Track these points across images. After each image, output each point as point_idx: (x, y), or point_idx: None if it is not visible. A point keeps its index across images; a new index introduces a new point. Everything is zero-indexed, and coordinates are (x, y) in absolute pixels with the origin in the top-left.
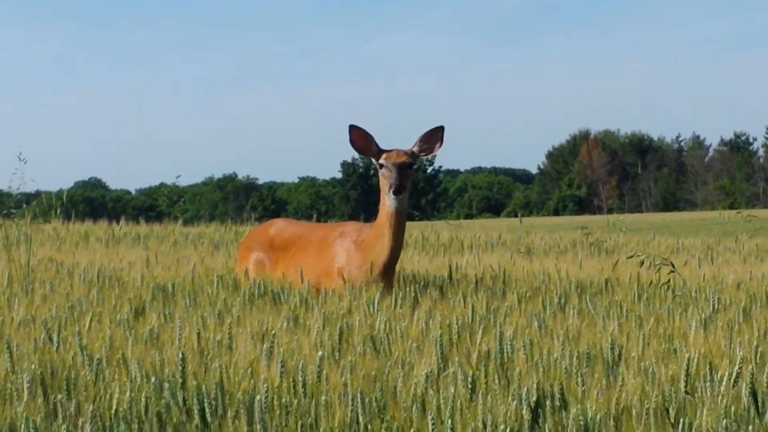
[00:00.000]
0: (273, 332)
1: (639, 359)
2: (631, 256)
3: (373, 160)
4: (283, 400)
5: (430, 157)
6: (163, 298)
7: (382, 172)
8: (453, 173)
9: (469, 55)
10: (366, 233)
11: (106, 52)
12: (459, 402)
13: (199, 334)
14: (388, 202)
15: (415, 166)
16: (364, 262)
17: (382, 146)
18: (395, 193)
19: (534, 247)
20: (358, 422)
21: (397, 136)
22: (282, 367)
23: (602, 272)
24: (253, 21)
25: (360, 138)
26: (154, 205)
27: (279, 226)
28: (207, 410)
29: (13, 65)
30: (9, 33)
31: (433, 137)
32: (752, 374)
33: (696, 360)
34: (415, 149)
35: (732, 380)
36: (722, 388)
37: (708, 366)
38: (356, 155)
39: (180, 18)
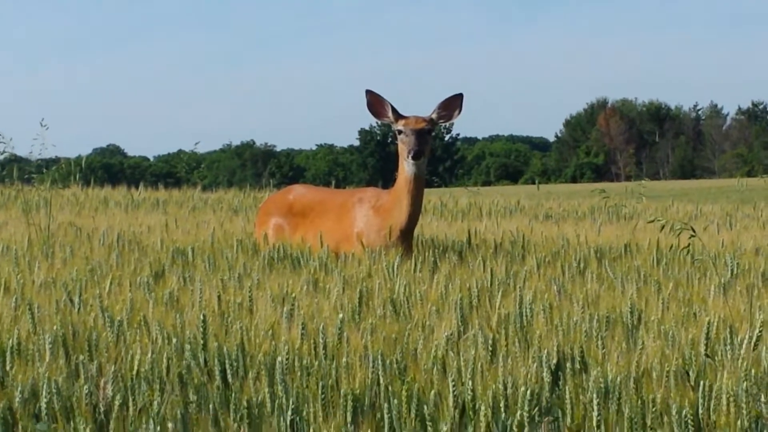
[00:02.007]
0: (293, 295)
1: (659, 323)
2: (652, 221)
3: (392, 125)
4: (304, 361)
5: (447, 124)
6: (182, 262)
7: (400, 137)
8: (471, 141)
9: (487, 24)
10: (384, 198)
11: (126, 19)
12: (479, 364)
13: (219, 296)
14: (406, 168)
15: (433, 133)
16: (382, 227)
17: (402, 114)
18: (414, 158)
19: (552, 212)
20: (378, 383)
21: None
22: (303, 329)
23: (621, 238)
24: None
25: (376, 103)
26: (172, 172)
27: (298, 192)
28: (228, 371)
29: (34, 33)
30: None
31: (452, 104)
32: None
33: (716, 324)
34: (434, 116)
35: (752, 344)
36: (742, 352)
37: (728, 330)
38: (374, 121)
39: None
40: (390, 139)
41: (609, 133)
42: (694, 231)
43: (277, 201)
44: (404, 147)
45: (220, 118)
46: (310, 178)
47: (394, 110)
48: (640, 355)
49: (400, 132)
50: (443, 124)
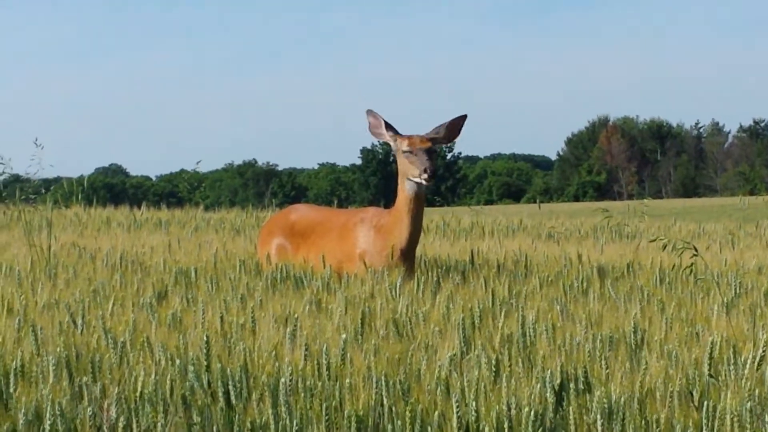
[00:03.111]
0: (296, 316)
1: (662, 343)
2: (653, 240)
3: (392, 144)
4: (308, 382)
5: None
6: (185, 283)
7: (406, 157)
8: (472, 159)
9: (488, 41)
10: (385, 218)
11: (128, 39)
12: (483, 384)
13: (222, 317)
14: (408, 187)
15: (438, 152)
16: (384, 246)
17: (399, 131)
18: (430, 177)
19: (555, 231)
20: (382, 404)
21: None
22: (306, 350)
23: (623, 257)
24: (274, 5)
25: (377, 123)
26: (174, 191)
27: (300, 212)
28: (232, 392)
29: (34, 51)
30: (29, 16)
31: (457, 126)
32: None
33: (719, 343)
34: (436, 136)
35: (756, 363)
36: (746, 371)
37: (731, 349)
38: (376, 140)
39: (200, 2)
40: (392, 158)
41: (611, 152)
42: (696, 250)
43: (279, 221)
44: (413, 167)
45: (222, 138)
46: (313, 198)
47: (391, 128)
48: (643, 376)
49: (406, 152)
50: (441, 145)
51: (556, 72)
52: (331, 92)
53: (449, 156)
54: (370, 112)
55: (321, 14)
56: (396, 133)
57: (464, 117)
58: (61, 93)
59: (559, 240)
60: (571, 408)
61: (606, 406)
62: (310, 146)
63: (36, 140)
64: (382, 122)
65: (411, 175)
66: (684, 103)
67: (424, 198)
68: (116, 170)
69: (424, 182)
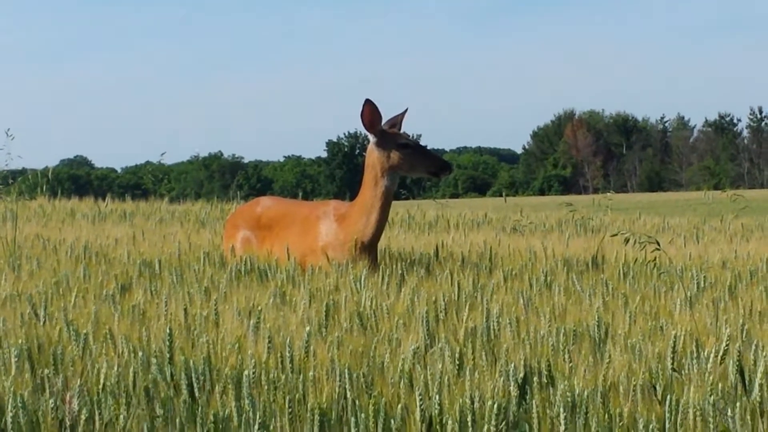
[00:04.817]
0: (260, 308)
1: (625, 336)
2: (615, 234)
3: (383, 138)
4: (271, 375)
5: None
6: (149, 275)
7: (407, 152)
8: (438, 153)
9: (454, 36)
10: (347, 211)
11: (94, 30)
12: (446, 378)
13: (185, 309)
14: (387, 181)
15: None
16: (347, 240)
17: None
18: (451, 170)
19: (520, 225)
20: (345, 397)
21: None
22: (269, 342)
23: (588, 250)
24: (241, 1)
25: (377, 115)
26: (139, 184)
27: (265, 205)
28: (195, 385)
29: (1, 43)
30: None
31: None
32: (739, 352)
33: (682, 338)
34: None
35: (719, 358)
36: (709, 366)
37: (695, 343)
38: (341, 133)
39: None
40: (358, 150)
41: (576, 145)
42: (658, 244)
43: (244, 213)
44: (426, 161)
45: (187, 130)
46: (278, 190)
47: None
48: (607, 369)
49: (405, 146)
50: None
51: (522, 65)
52: (297, 85)
53: None
54: (369, 102)
55: (288, 11)
56: (380, 128)
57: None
58: (27, 85)
59: (524, 233)
60: (534, 401)
61: (569, 399)
62: (276, 139)
63: (8, 131)
64: (380, 119)
65: (420, 170)
66: (650, 97)
67: (393, 192)
68: (81, 162)
69: (443, 174)
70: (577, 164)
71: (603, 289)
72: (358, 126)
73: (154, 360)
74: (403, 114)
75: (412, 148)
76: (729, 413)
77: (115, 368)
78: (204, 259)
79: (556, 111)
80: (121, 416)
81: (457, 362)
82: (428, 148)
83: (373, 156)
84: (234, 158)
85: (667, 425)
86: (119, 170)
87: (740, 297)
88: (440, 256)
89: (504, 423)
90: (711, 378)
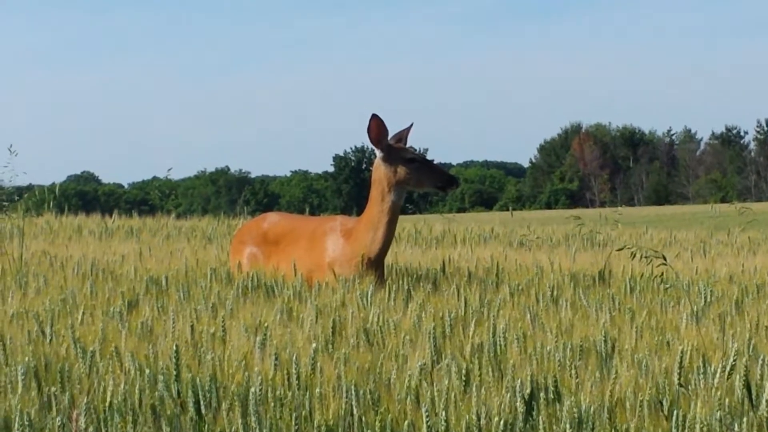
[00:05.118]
0: (266, 325)
1: (632, 352)
2: (621, 249)
3: (382, 153)
4: (277, 392)
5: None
6: (156, 291)
7: (414, 167)
8: (445, 167)
9: (460, 48)
10: (354, 227)
11: (98, 44)
12: (453, 394)
13: (192, 326)
14: (393, 197)
15: None
16: (354, 255)
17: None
18: (458, 184)
19: (527, 239)
20: (352, 414)
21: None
22: (276, 359)
23: (595, 265)
24: (245, 13)
25: (383, 130)
26: (146, 199)
27: (272, 220)
28: (201, 402)
29: (5, 57)
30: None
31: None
32: (746, 367)
33: (689, 352)
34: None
35: (726, 373)
36: (716, 381)
37: (701, 358)
38: (348, 147)
39: (173, 10)
40: (365, 165)
41: (583, 159)
42: (665, 259)
43: (251, 229)
44: (433, 175)
45: (194, 145)
46: (285, 205)
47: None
48: (613, 385)
49: (411, 161)
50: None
51: (528, 79)
52: (303, 100)
53: None
54: (376, 117)
55: (294, 21)
56: (386, 143)
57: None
58: (34, 100)
59: (530, 248)
60: (541, 417)
61: (576, 415)
62: (283, 154)
63: (10, 147)
64: (387, 133)
65: (427, 184)
66: (656, 110)
67: (401, 207)
68: (88, 178)
69: (449, 189)
70: (584, 178)
71: (610, 304)
72: (364, 140)
73: (160, 377)
74: (408, 129)
75: (419, 163)
76: (736, 428)
77: (122, 386)
78: (211, 276)
79: (562, 124)
80: None
81: (463, 378)
82: (435, 162)
83: (380, 171)
84: (241, 173)
85: None
86: (126, 186)
87: (747, 311)
88: (447, 271)
89: None
90: (718, 393)
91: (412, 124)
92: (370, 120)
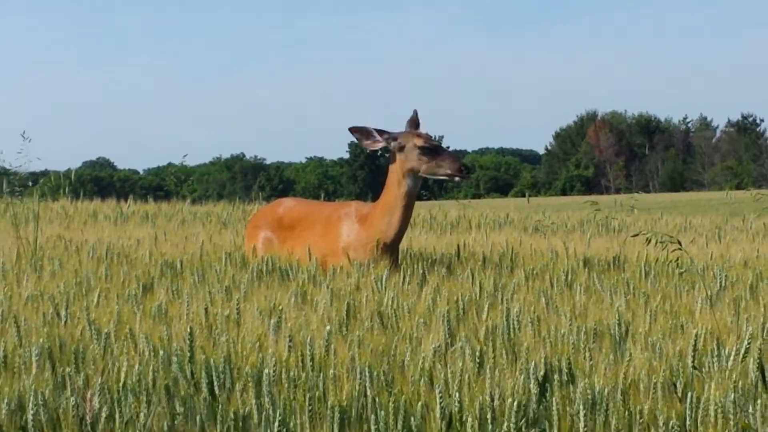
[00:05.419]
0: (281, 308)
1: (646, 335)
2: (636, 234)
3: (393, 144)
4: (291, 373)
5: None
6: (171, 275)
7: (426, 154)
8: (461, 154)
9: (476, 35)
10: (370, 212)
11: (115, 31)
12: (467, 376)
13: (207, 309)
14: (409, 183)
15: None
16: (368, 240)
17: (391, 129)
18: (472, 171)
19: (542, 225)
20: (366, 395)
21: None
22: (290, 341)
23: (609, 250)
24: (261, 2)
25: (365, 135)
26: (162, 185)
27: (287, 205)
28: (215, 383)
29: (22, 44)
30: (17, 13)
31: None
32: (760, 350)
33: (703, 336)
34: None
35: (740, 355)
36: (730, 364)
37: (715, 342)
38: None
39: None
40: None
41: (599, 146)
42: (680, 244)
43: (266, 214)
44: (444, 163)
45: (210, 131)
46: (300, 191)
47: (383, 131)
48: (627, 367)
49: (424, 149)
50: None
51: (544, 66)
52: (319, 86)
53: None
54: (353, 129)
55: (307, 12)
56: (390, 134)
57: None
58: (51, 87)
59: (545, 233)
60: (554, 399)
61: (589, 397)
62: (298, 140)
63: (23, 133)
64: (373, 131)
65: (439, 172)
66: (672, 97)
67: (416, 194)
68: (103, 164)
69: (460, 178)
70: (600, 165)
71: (624, 289)
72: (380, 126)
73: (174, 359)
74: (414, 115)
75: (430, 151)
76: (750, 410)
77: (136, 366)
78: (226, 260)
79: (578, 112)
80: (142, 414)
81: (477, 360)
82: (449, 149)
83: (393, 158)
84: (256, 159)
85: (687, 422)
86: (141, 172)
87: (761, 296)
88: (462, 256)
89: (524, 420)
90: (732, 376)
91: (414, 111)
92: (354, 134)
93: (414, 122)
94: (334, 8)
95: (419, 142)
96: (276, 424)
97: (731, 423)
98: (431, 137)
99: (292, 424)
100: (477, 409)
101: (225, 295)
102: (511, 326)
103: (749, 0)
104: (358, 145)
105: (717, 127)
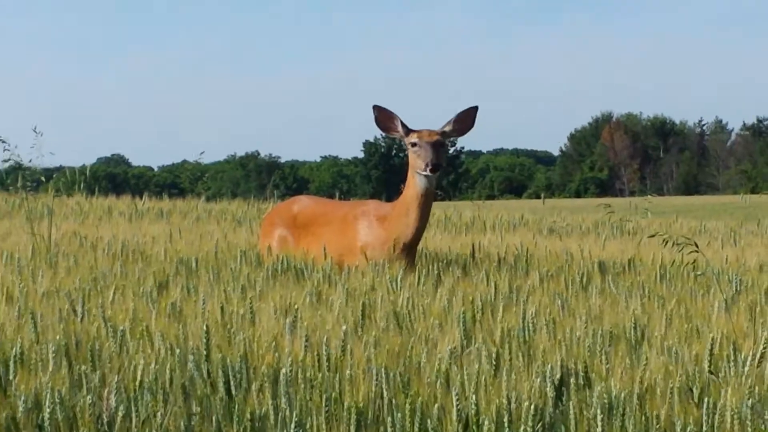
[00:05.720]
0: (296, 307)
1: (662, 339)
2: (653, 235)
3: (403, 139)
4: (308, 374)
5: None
6: (186, 273)
7: (414, 150)
8: (475, 154)
9: (491, 36)
10: (388, 211)
11: (132, 28)
12: (483, 378)
13: (222, 307)
14: (418, 181)
15: (446, 145)
16: (386, 240)
17: (411, 128)
18: (433, 170)
19: (557, 227)
20: (382, 396)
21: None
22: (306, 341)
23: (625, 253)
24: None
25: (385, 118)
26: (176, 182)
27: (303, 203)
28: (232, 383)
29: (39, 42)
30: (33, 7)
31: (468, 118)
32: None
33: (719, 340)
34: (447, 129)
35: (756, 360)
36: (746, 369)
37: (732, 346)
38: (379, 133)
39: None
40: (395, 151)
41: (613, 148)
42: (696, 246)
43: (281, 212)
44: (419, 160)
45: (224, 129)
46: (314, 190)
47: (403, 124)
48: (643, 371)
49: (414, 144)
50: (453, 138)
51: (559, 67)
52: (334, 85)
53: (452, 150)
54: (377, 107)
55: (322, 10)
56: (405, 126)
57: (475, 108)
58: (65, 83)
59: (560, 235)
60: (571, 403)
61: (606, 401)
62: (313, 139)
63: (35, 128)
64: (393, 116)
65: (417, 168)
66: (688, 100)
67: (433, 194)
68: (118, 160)
69: (428, 174)
70: (614, 167)
71: (639, 292)
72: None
73: (191, 357)
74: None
75: (417, 146)
76: (766, 416)
77: (153, 365)
78: (241, 258)
79: (593, 113)
80: (158, 413)
81: (493, 363)
82: (464, 149)
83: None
84: (271, 158)
85: (704, 428)
86: (156, 169)
87: None
88: (477, 257)
89: (540, 424)
90: (748, 381)
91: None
92: (374, 112)
93: (460, 116)
94: (350, 7)
95: (411, 138)
96: (292, 424)
97: (748, 428)
98: (437, 132)
99: (308, 425)
100: (493, 412)
101: (240, 294)
102: (527, 328)
103: (766, 3)
104: (378, 128)
105: (732, 130)
